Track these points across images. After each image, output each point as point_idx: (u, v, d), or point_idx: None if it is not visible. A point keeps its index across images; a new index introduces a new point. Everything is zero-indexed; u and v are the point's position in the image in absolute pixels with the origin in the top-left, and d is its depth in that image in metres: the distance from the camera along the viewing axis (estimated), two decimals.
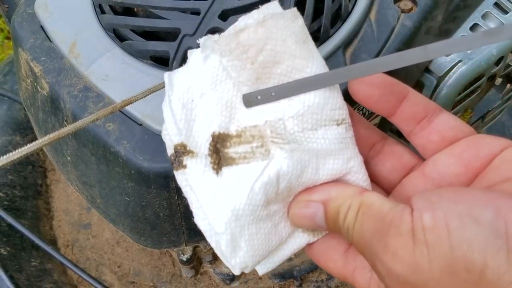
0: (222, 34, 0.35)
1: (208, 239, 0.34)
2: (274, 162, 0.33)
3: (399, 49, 0.49)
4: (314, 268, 0.82)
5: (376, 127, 0.38)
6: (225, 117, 0.34)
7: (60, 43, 0.47)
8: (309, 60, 0.35)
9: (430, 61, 0.53)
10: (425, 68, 0.54)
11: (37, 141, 0.32)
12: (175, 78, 0.35)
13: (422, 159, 0.37)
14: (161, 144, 0.43)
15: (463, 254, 0.27)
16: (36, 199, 0.88)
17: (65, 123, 0.46)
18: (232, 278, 0.79)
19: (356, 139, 0.36)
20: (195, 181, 0.34)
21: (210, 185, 0.34)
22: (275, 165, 0.33)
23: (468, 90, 0.56)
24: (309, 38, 0.35)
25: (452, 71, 0.53)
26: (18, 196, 0.85)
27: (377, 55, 0.48)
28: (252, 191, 0.32)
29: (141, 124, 0.43)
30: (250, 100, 0.34)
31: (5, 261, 0.76)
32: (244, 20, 0.35)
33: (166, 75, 0.36)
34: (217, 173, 0.34)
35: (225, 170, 0.34)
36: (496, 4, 0.57)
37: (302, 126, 0.34)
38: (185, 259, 0.74)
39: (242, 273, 0.79)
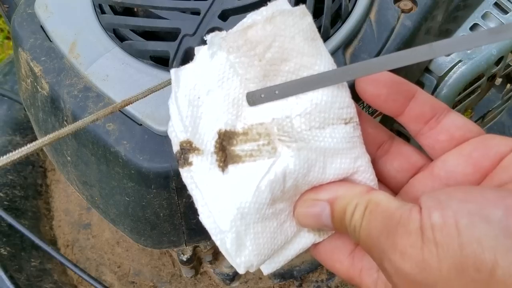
0: (230, 30, 0.35)
1: (213, 237, 0.34)
2: (280, 160, 0.33)
3: (399, 49, 0.49)
4: (314, 268, 0.82)
5: (384, 127, 0.38)
6: (231, 115, 0.34)
7: (60, 43, 0.47)
8: (318, 58, 0.35)
9: (430, 61, 0.53)
10: (425, 68, 0.54)
11: (37, 141, 0.32)
12: (182, 75, 0.35)
13: (430, 159, 0.36)
14: (161, 144, 0.43)
15: (472, 252, 0.26)
16: (36, 199, 0.88)
17: (65, 123, 0.46)
18: (232, 278, 0.79)
19: (364, 138, 0.36)
20: (201, 179, 0.34)
21: (215, 182, 0.34)
22: (281, 163, 0.32)
23: (468, 90, 0.56)
24: (318, 35, 0.35)
25: (452, 71, 0.53)
26: (18, 196, 0.85)
27: (377, 55, 0.48)
28: (258, 189, 0.32)
29: (141, 124, 0.43)
30: (254, 98, 0.34)
31: (5, 261, 0.76)
32: (252, 16, 0.35)
33: (173, 71, 0.36)
34: (223, 170, 0.33)
35: (231, 167, 0.33)
36: (496, 4, 0.57)
37: (310, 124, 0.34)
38: (185, 259, 0.74)
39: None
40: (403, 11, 0.50)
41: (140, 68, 0.45)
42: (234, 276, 0.79)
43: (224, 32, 0.35)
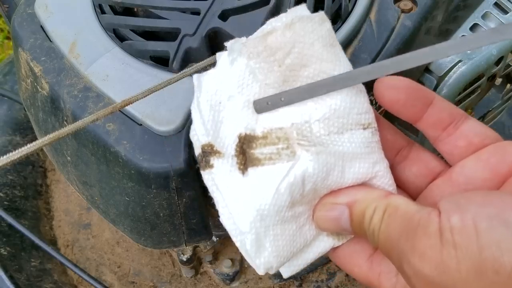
0: (250, 37, 0.35)
1: (233, 238, 0.35)
2: (300, 164, 0.33)
3: (399, 50, 0.49)
4: (314, 268, 0.81)
5: (402, 133, 0.38)
6: (251, 119, 0.34)
7: (60, 43, 0.47)
8: (336, 64, 0.35)
9: None
10: (425, 68, 0.54)
11: (37, 141, 0.32)
12: (204, 81, 0.36)
13: (448, 165, 0.37)
14: (161, 144, 0.43)
15: (491, 255, 0.27)
16: (36, 199, 0.87)
17: (65, 123, 0.46)
18: (232, 278, 0.79)
19: (382, 144, 0.36)
20: (221, 181, 0.35)
21: (236, 185, 0.34)
22: (301, 167, 0.33)
23: (468, 90, 0.56)
24: (336, 42, 0.36)
25: (452, 71, 0.53)
26: (18, 196, 0.85)
27: (377, 55, 0.48)
28: (278, 191, 0.33)
29: (141, 124, 0.43)
30: (260, 106, 0.35)
31: (5, 261, 0.76)
32: (272, 23, 0.35)
33: (195, 77, 0.36)
34: (243, 173, 0.34)
35: (250, 170, 0.34)
36: (496, 4, 0.57)
37: (328, 129, 0.34)
38: (185, 259, 0.74)
39: (241, 273, 0.79)
40: (403, 11, 0.50)
41: (140, 68, 0.45)
42: (234, 276, 0.79)
43: (244, 38, 0.35)
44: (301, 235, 0.35)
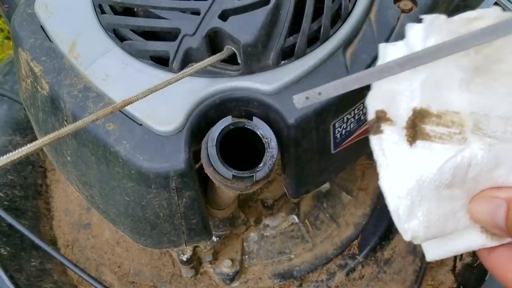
0: (454, 17, 0.36)
1: (387, 200, 0.36)
2: (469, 150, 0.34)
3: None
4: (314, 268, 0.81)
5: None
6: (429, 94, 0.35)
7: (60, 43, 0.48)
8: None
9: None
10: None
11: (37, 141, 0.32)
12: (389, 52, 0.37)
13: None
14: (161, 144, 0.43)
15: None
16: (36, 199, 0.87)
17: (65, 123, 0.46)
18: (232, 278, 0.79)
19: None
20: (389, 147, 0.36)
21: (401, 153, 0.35)
22: (470, 152, 0.34)
23: None
24: None
25: None
26: (18, 196, 0.85)
27: (377, 56, 0.48)
28: (441, 168, 0.34)
29: (141, 124, 0.43)
30: (300, 100, 0.36)
31: (5, 261, 0.76)
32: (477, 12, 0.35)
33: (381, 46, 0.37)
34: (411, 144, 0.35)
35: (419, 143, 0.35)
36: (496, 4, 0.57)
37: (506, 127, 0.35)
38: (185, 259, 0.74)
39: (241, 273, 0.79)
40: (403, 11, 0.50)
41: (140, 68, 0.45)
42: (234, 276, 0.79)
43: (443, 16, 0.35)
44: (454, 220, 0.36)
